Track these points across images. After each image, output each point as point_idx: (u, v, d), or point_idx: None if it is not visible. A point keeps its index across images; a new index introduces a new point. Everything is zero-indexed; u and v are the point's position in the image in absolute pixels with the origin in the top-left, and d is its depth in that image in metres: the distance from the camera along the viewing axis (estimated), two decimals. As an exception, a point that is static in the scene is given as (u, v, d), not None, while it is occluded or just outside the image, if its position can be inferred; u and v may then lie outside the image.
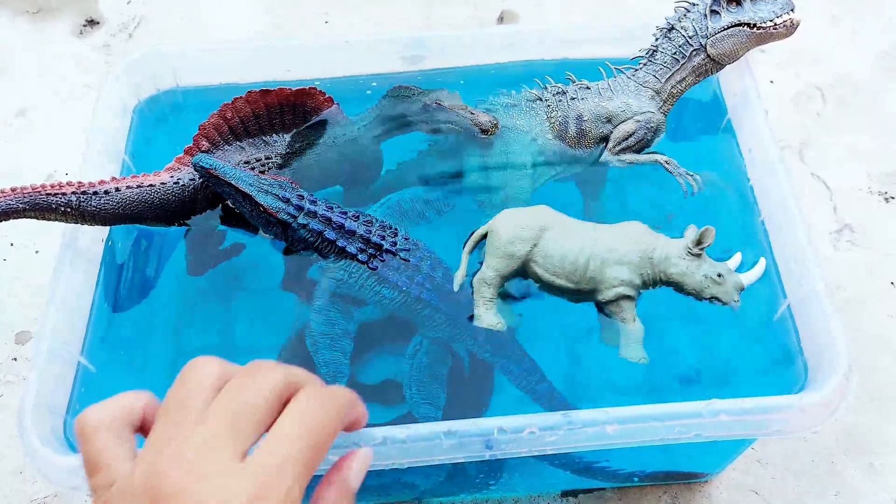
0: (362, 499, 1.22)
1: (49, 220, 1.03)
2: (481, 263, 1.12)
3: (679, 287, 1.06)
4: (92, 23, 1.94)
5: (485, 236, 1.11)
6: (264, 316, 1.33)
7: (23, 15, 1.97)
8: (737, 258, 1.06)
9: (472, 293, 1.10)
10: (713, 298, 1.05)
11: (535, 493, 1.25)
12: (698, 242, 1.03)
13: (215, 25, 1.93)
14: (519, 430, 0.89)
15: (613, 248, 1.05)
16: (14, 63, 1.88)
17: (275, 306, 1.31)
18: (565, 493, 1.26)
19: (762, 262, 1.05)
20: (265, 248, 1.23)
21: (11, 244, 1.56)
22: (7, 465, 1.33)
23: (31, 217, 1.02)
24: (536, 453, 0.91)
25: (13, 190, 0.99)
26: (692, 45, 1.17)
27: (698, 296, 1.06)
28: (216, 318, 1.31)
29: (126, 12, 1.96)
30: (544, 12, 1.92)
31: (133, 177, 1.08)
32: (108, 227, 1.14)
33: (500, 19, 1.90)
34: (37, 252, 1.56)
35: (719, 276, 1.03)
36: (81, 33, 1.92)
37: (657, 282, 1.08)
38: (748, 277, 1.04)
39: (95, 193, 1.03)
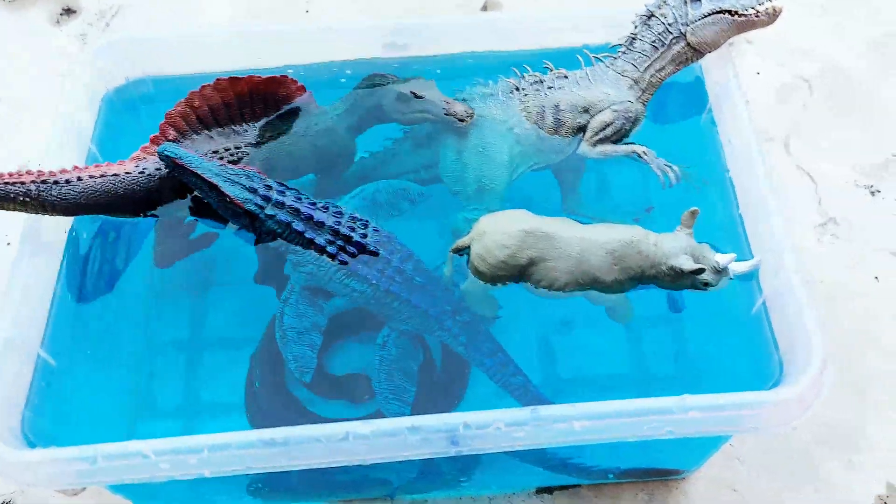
0: (333, 494, 1.20)
1: (8, 209, 1.01)
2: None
3: (665, 276, 1.04)
4: (69, 11, 1.91)
5: (467, 247, 1.10)
6: (238, 309, 1.30)
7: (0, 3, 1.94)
8: (731, 257, 1.03)
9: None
10: (695, 283, 1.02)
11: (510, 491, 1.23)
12: (686, 224, 1.03)
13: (194, 16, 1.90)
14: (485, 426, 0.87)
15: (606, 237, 1.05)
16: (-11, 51, 1.85)
17: (249, 299, 1.28)
18: (540, 490, 1.24)
19: (756, 261, 1.03)
20: (239, 239, 1.21)
21: (-18, 235, 1.54)
22: (-25, 460, 1.30)
23: (-10, 206, 0.99)
24: (504, 449, 0.89)
25: (-30, 179, 0.97)
26: (672, 33, 1.15)
27: (680, 283, 1.04)
28: (187, 311, 1.28)
29: (104, 1, 1.92)
30: (526, 1, 1.89)
31: (96, 166, 1.06)
32: (71, 218, 1.11)
33: (484, 7, 1.88)
34: (8, 244, 1.53)
35: (704, 257, 1.01)
36: (58, 22, 1.89)
37: (644, 276, 1.06)
38: (738, 266, 1.01)
39: (56, 183, 1.01)
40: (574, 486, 1.23)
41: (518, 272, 1.07)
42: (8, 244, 1.53)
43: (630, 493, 1.23)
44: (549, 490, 1.24)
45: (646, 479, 1.23)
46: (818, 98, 1.72)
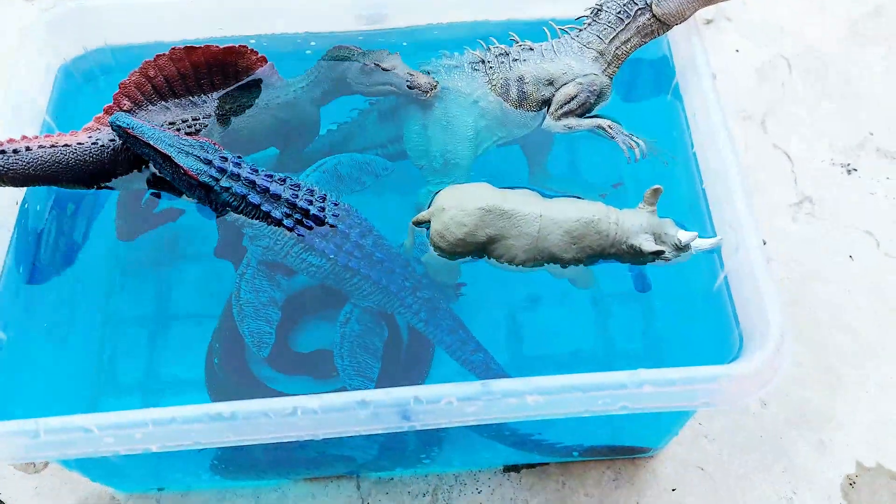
0: (295, 472, 1.19)
1: (-47, 180, 0.99)
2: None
3: (626, 253, 1.03)
4: (39, -14, 1.88)
5: (428, 221, 1.08)
6: (201, 284, 1.28)
7: (-32, -25, 1.90)
8: (692, 235, 1.02)
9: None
10: (657, 255, 1.01)
11: (476, 469, 1.22)
12: (649, 201, 1.02)
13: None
14: (436, 401, 0.85)
15: (564, 215, 1.03)
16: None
17: (213, 274, 1.26)
18: (507, 469, 1.23)
19: (717, 239, 1.01)
20: (204, 212, 1.19)
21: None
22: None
23: (-66, 177, 0.97)
24: (457, 424, 0.88)
25: (-86, 148, 0.95)
26: (637, 4, 1.13)
27: (641, 259, 1.02)
28: (149, 286, 1.26)
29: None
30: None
31: (47, 136, 1.03)
32: (22, 190, 1.09)
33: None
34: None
35: (666, 234, 1.00)
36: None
37: (604, 253, 1.04)
38: (700, 243, 1.00)
39: (3, 152, 0.98)
40: (541, 465, 1.22)
41: (477, 249, 1.05)
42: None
43: (597, 472, 1.22)
44: (515, 468, 1.23)
45: (612, 457, 1.22)
46: (796, 77, 1.70)
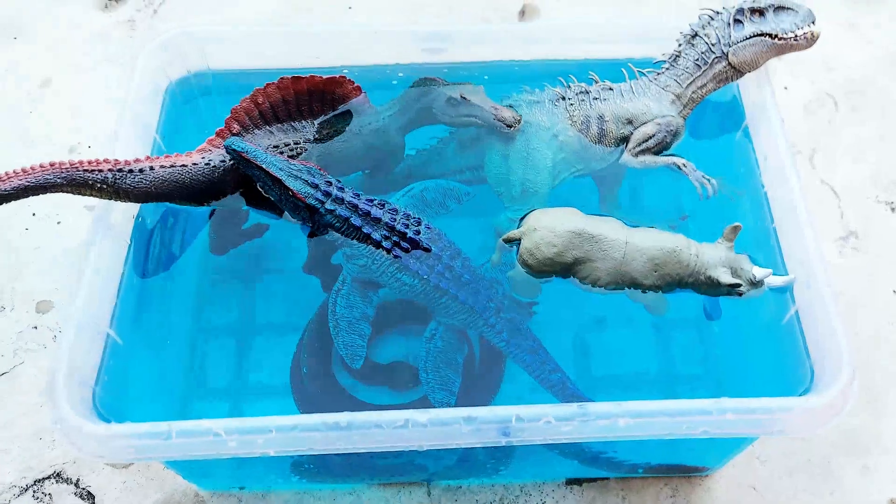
0: (370, 477, 1.26)
1: (84, 195, 1.06)
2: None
3: (703, 284, 1.10)
4: (116, -3, 1.96)
5: (518, 239, 1.16)
6: (285, 297, 1.36)
7: (47, -14, 1.98)
8: (767, 272, 1.09)
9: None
10: (731, 291, 1.09)
11: (541, 480, 1.29)
12: (728, 237, 1.10)
13: (235, 4, 1.94)
14: (535, 419, 0.93)
15: (648, 243, 1.11)
16: (39, 35, 1.89)
17: (296, 288, 1.34)
18: (570, 482, 1.30)
19: (791, 277, 1.09)
20: (288, 230, 1.26)
21: (34, 214, 1.59)
22: (25, 431, 1.36)
23: (66, 192, 1.05)
24: (551, 442, 0.95)
25: (52, 164, 1.02)
26: (714, 53, 1.20)
27: (716, 291, 1.10)
28: (237, 297, 1.34)
29: (150, -12, 1.97)
30: (565, 7, 1.94)
31: (166, 156, 1.11)
32: (139, 204, 1.17)
33: (522, 13, 1.92)
34: (59, 223, 1.58)
35: (742, 269, 1.08)
36: (106, 7, 1.94)
37: (682, 282, 1.12)
38: (773, 280, 1.08)
39: (131, 171, 1.06)
40: (602, 479, 1.29)
41: (563, 269, 1.13)
42: (58, 223, 1.58)
43: (655, 488, 1.29)
44: (578, 482, 1.30)
45: (671, 474, 1.29)
46: (843, 113, 1.78)
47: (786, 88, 1.82)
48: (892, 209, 1.63)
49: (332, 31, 1.34)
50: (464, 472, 1.27)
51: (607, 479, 1.29)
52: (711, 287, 1.09)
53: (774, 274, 1.08)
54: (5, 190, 1.00)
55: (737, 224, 1.08)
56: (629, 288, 1.13)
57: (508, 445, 1.05)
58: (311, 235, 1.19)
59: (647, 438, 0.95)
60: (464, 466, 1.25)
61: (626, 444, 1.15)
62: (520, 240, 1.15)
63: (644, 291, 1.13)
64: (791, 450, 1.33)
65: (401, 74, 1.35)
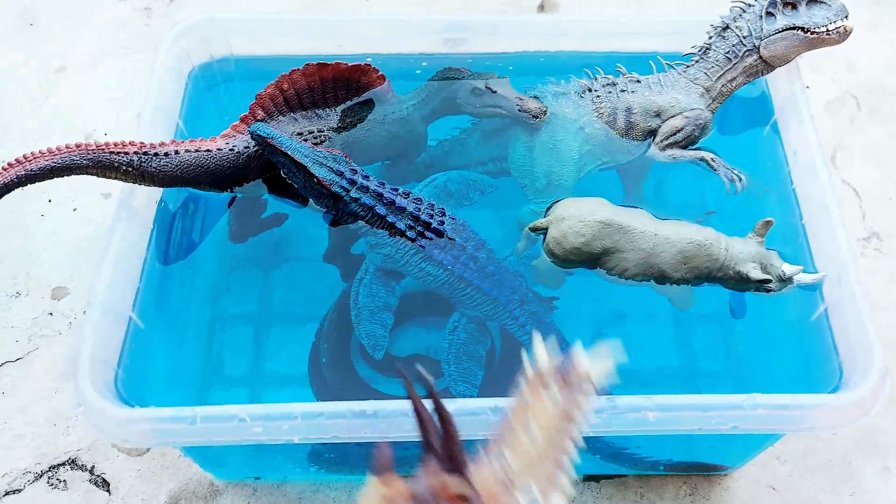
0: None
1: (108, 177, 1.05)
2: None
3: (731, 279, 1.09)
4: (134, -15, 1.95)
5: (545, 228, 1.15)
6: (303, 286, 1.35)
7: (65, -28, 1.97)
8: (798, 269, 1.08)
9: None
10: (760, 287, 1.07)
11: (559, 475, 1.28)
12: (759, 232, 1.09)
13: (256, -5, 1.94)
14: (564, 411, 0.91)
15: (678, 236, 1.10)
16: (55, 20, 1.89)
17: (314, 277, 1.33)
18: (588, 478, 1.29)
19: (821, 275, 1.08)
20: (307, 218, 1.25)
21: (50, 201, 1.58)
22: (39, 417, 1.35)
23: (92, 174, 1.04)
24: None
25: (77, 146, 1.01)
26: (745, 46, 1.19)
27: (745, 286, 1.09)
28: (255, 286, 1.33)
29: (168, -24, 1.96)
30: (584, 3, 1.93)
31: (191, 141, 1.10)
32: (161, 189, 1.15)
33: (541, 6, 1.91)
34: (74, 210, 1.57)
35: (772, 265, 1.07)
36: (123, -5, 1.93)
37: (710, 276, 1.10)
38: (803, 277, 1.06)
39: (156, 155, 1.05)
40: (621, 477, 1.28)
41: (590, 259, 1.12)
42: (74, 209, 1.58)
43: (674, 486, 1.28)
44: (595, 478, 1.29)
45: (690, 472, 1.27)
46: (865, 113, 1.76)
47: (808, 87, 1.80)
48: (914, 210, 1.62)
49: (356, 20, 1.34)
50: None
51: (625, 476, 1.28)
52: (740, 282, 1.08)
53: (805, 272, 1.07)
54: (32, 171, 0.99)
55: (769, 219, 1.07)
56: (657, 280, 1.12)
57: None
58: (333, 224, 1.18)
59: (676, 433, 0.94)
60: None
61: (650, 440, 1.14)
62: (546, 229, 1.14)
63: (671, 284, 1.11)
64: (811, 450, 1.32)
65: (424, 64, 1.34)
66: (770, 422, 0.93)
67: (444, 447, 0.69)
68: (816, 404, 0.93)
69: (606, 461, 1.22)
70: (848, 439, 1.34)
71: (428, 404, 0.71)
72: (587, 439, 1.12)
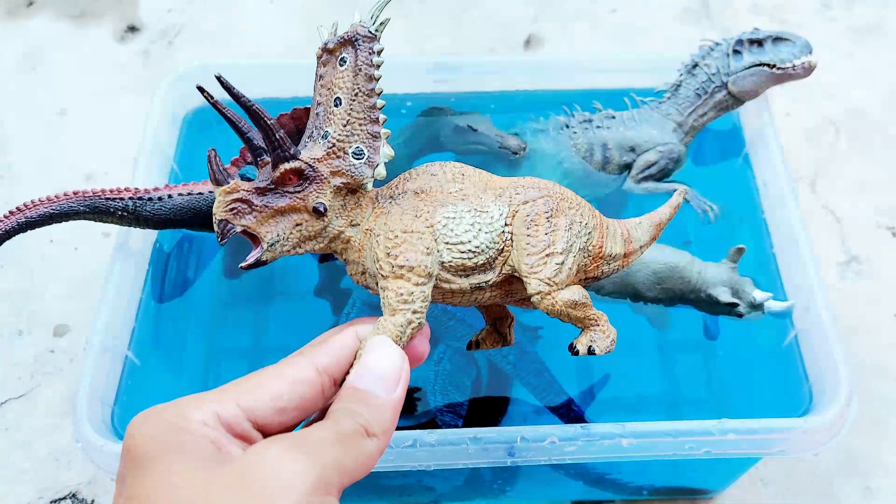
0: (384, 499, 1.28)
1: (105, 222, 1.10)
2: None
3: (703, 302, 1.13)
4: (133, 29, 2.02)
5: None
6: (297, 320, 1.39)
7: (66, 18, 2.04)
8: (768, 295, 1.12)
9: None
10: (731, 312, 1.11)
11: (547, 501, 1.31)
12: (732, 259, 1.13)
13: (250, 37, 2.00)
14: (541, 440, 0.95)
15: (652, 257, 1.15)
16: (56, 64, 1.95)
17: (308, 311, 1.37)
18: None
19: (790, 303, 1.12)
20: (299, 255, 1.30)
21: (51, 241, 1.63)
22: (41, 452, 1.39)
23: (89, 219, 1.09)
24: (555, 461, 0.98)
25: (75, 193, 1.06)
26: (714, 82, 1.24)
27: (716, 310, 1.13)
28: (249, 321, 1.37)
29: (166, 20, 2.03)
30: (570, 38, 1.99)
31: (183, 185, 1.15)
32: (156, 231, 1.20)
33: (527, 43, 1.97)
34: (76, 249, 1.62)
35: (744, 291, 1.11)
36: (122, 39, 2.00)
37: (683, 298, 1.15)
38: (773, 304, 1.10)
39: (150, 199, 1.10)
40: (608, 501, 1.31)
41: None
42: (75, 249, 1.62)
43: (659, 510, 1.31)
44: None
45: (675, 497, 1.30)
46: (844, 140, 1.81)
47: (788, 115, 1.85)
48: (894, 234, 1.65)
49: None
50: (472, 493, 1.29)
51: (613, 501, 1.31)
52: (711, 305, 1.13)
53: (775, 298, 1.11)
54: (32, 217, 1.04)
55: (741, 246, 1.11)
56: (632, 299, 1.16)
57: (514, 466, 1.08)
58: (322, 260, 1.22)
59: (651, 459, 0.97)
60: (472, 486, 1.27)
61: (631, 465, 1.17)
62: None
63: (646, 303, 1.16)
64: (794, 472, 1.35)
65: (409, 104, 1.39)
66: (741, 446, 0.97)
67: (267, 140, 0.76)
68: (785, 428, 0.96)
69: (590, 486, 1.25)
70: (830, 461, 1.37)
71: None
72: (570, 465, 1.17)
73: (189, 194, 1.14)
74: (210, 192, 1.17)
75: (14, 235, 1.05)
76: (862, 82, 1.91)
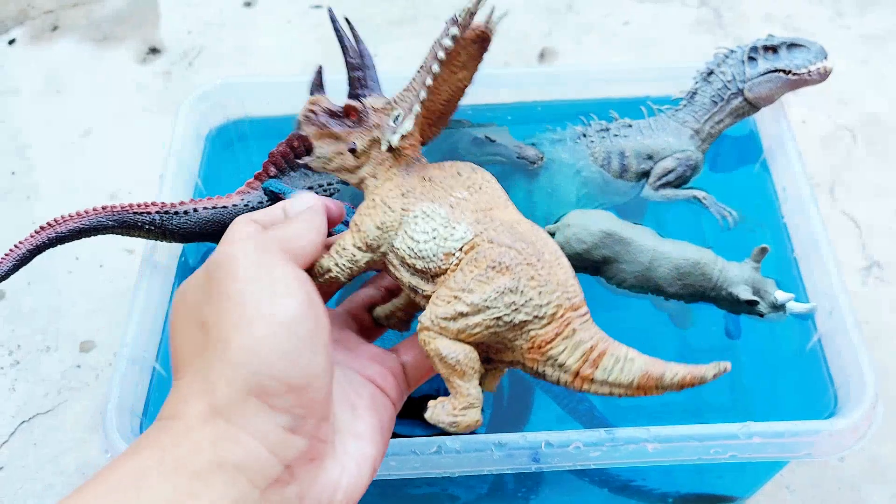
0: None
1: (132, 236, 1.12)
2: None
3: (724, 300, 1.13)
4: (154, 51, 2.06)
5: (552, 233, 1.20)
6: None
7: (89, 42, 2.09)
8: (789, 296, 1.12)
9: None
10: (752, 311, 1.11)
11: (570, 510, 1.31)
12: (755, 258, 1.13)
13: (267, 56, 2.04)
14: (565, 445, 0.95)
15: (675, 253, 1.15)
16: (80, 86, 1.99)
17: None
18: (599, 511, 1.31)
19: (812, 305, 1.12)
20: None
21: (77, 258, 1.66)
22: (69, 467, 1.41)
23: (117, 233, 1.11)
24: (579, 467, 0.98)
25: (104, 208, 1.08)
26: (730, 89, 1.25)
27: (737, 308, 1.14)
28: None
29: (186, 42, 2.07)
30: (583, 51, 2.00)
31: (208, 198, 1.17)
32: (182, 245, 1.22)
33: (541, 56, 1.99)
34: (101, 266, 1.65)
35: (766, 291, 1.11)
36: (144, 60, 2.04)
37: (704, 295, 1.15)
38: (794, 305, 1.10)
39: (176, 213, 1.12)
40: (632, 509, 1.31)
41: (591, 266, 1.17)
42: (100, 266, 1.65)
43: (684, 517, 1.30)
44: (607, 512, 1.31)
45: (700, 504, 1.30)
46: (861, 146, 1.81)
47: (804, 122, 1.86)
48: (914, 239, 1.65)
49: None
50: (495, 502, 1.29)
51: (638, 508, 1.31)
52: (732, 303, 1.13)
53: (797, 300, 1.11)
54: (62, 232, 1.06)
55: (764, 246, 1.11)
56: (653, 294, 1.16)
57: (538, 473, 1.08)
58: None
59: (676, 464, 0.97)
60: (495, 496, 1.27)
61: (656, 471, 1.17)
62: (553, 234, 1.19)
63: (667, 299, 1.16)
64: (820, 478, 1.34)
65: (428, 117, 1.40)
66: (766, 450, 0.97)
67: (349, 78, 0.91)
68: (811, 430, 0.96)
69: (615, 494, 1.24)
70: (856, 468, 1.36)
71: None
72: (594, 472, 1.17)
73: (213, 208, 1.16)
74: (234, 204, 1.19)
75: (45, 250, 1.07)
76: (877, 89, 1.91)
